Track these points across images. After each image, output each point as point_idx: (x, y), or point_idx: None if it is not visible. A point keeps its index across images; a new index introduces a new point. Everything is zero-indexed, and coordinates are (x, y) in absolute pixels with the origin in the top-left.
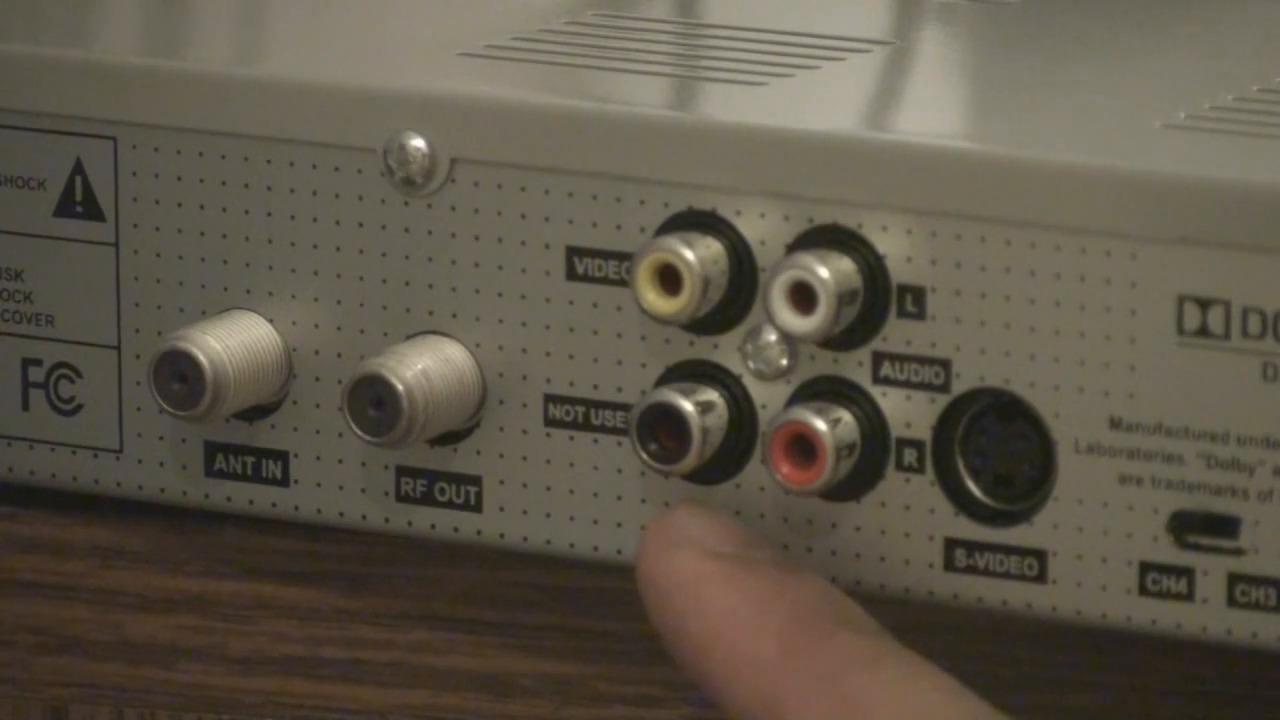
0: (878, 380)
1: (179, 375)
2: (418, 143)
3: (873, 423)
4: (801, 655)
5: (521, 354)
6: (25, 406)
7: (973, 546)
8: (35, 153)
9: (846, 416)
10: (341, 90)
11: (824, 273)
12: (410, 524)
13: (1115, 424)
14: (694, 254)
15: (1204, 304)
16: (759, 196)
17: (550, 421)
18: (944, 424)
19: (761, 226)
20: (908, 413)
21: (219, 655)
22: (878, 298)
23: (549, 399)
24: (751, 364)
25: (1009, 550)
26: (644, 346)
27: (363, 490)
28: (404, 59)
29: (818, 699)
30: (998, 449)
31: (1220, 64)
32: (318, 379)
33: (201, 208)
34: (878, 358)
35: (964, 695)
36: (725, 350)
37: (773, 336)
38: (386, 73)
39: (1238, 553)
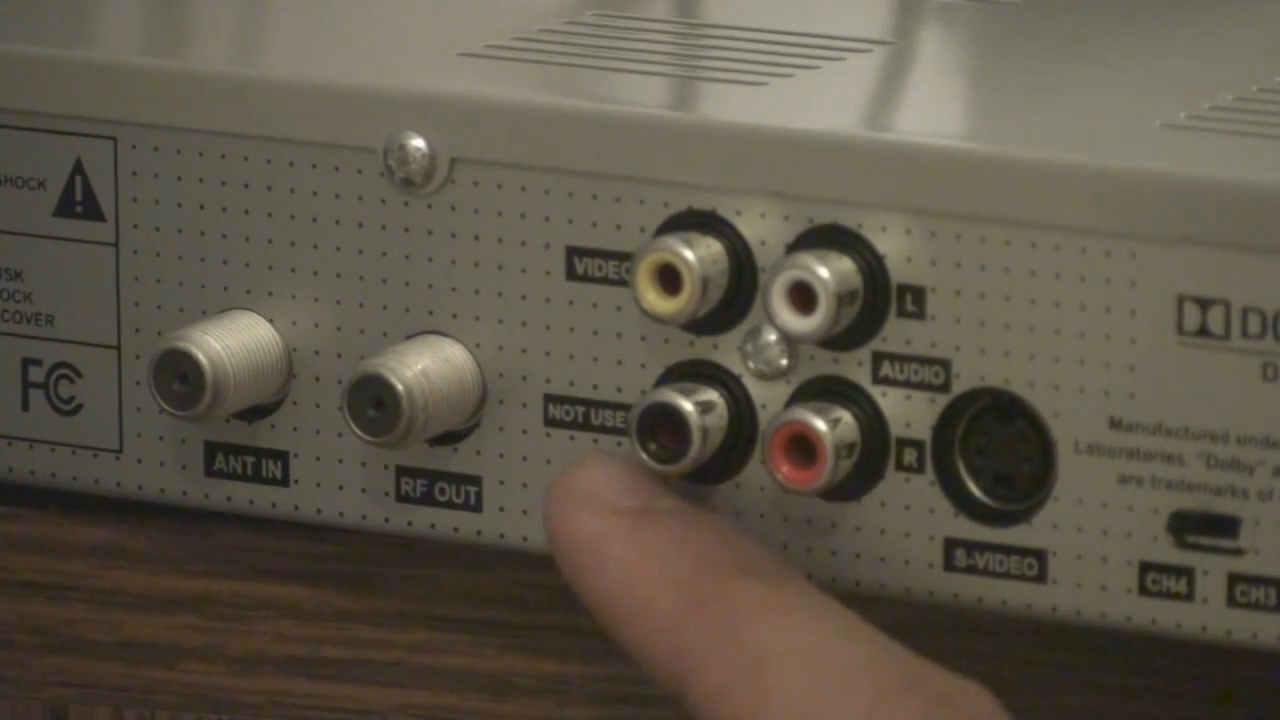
0: (878, 380)
1: (179, 375)
2: (418, 143)
3: (873, 423)
4: (702, 606)
5: (521, 354)
6: (25, 406)
7: (973, 546)
8: (35, 153)
9: (846, 416)
10: (341, 90)
11: (824, 273)
12: (410, 524)
13: (1115, 424)
14: (694, 254)
15: (1204, 304)
16: (759, 196)
17: (550, 421)
18: (944, 424)
19: (761, 226)
20: (907, 413)
21: (219, 655)
22: (878, 298)
23: (549, 399)
24: (751, 364)
25: (1009, 550)
26: (644, 346)
27: (363, 490)
28: (404, 59)
29: (718, 650)
30: (998, 449)
31: (1220, 64)
32: (318, 379)
33: (201, 208)
34: (878, 358)
35: (864, 636)
36: (725, 350)
37: (773, 336)
38: (386, 73)
39: (1238, 553)
